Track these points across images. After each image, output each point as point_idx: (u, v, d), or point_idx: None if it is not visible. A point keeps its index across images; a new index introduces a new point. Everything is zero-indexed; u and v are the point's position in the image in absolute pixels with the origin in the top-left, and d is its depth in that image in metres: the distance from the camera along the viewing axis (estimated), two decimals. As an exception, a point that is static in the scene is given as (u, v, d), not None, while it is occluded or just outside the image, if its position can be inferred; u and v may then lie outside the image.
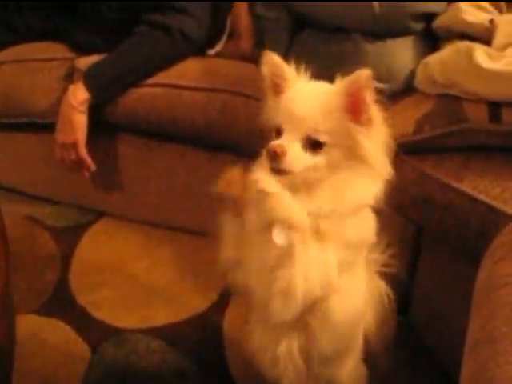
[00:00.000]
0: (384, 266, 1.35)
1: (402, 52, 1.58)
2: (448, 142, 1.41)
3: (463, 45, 1.44)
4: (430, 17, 1.60)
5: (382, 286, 1.34)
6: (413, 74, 1.56)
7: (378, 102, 0.99)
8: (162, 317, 1.78)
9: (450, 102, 1.44)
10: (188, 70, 1.80)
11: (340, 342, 1.19)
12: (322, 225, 1.02)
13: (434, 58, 1.50)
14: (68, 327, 1.75)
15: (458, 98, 1.42)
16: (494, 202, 1.28)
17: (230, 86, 1.71)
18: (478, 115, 1.38)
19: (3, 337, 0.77)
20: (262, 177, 1.04)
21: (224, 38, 1.92)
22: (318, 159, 0.99)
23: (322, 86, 1.05)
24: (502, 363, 0.88)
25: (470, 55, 1.38)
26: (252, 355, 1.27)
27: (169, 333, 1.72)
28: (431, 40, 1.62)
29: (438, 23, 1.58)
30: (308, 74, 1.07)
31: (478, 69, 1.36)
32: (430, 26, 1.60)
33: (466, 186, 1.34)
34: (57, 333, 1.73)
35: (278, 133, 1.02)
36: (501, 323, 0.95)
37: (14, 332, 0.96)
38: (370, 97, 0.97)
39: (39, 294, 1.86)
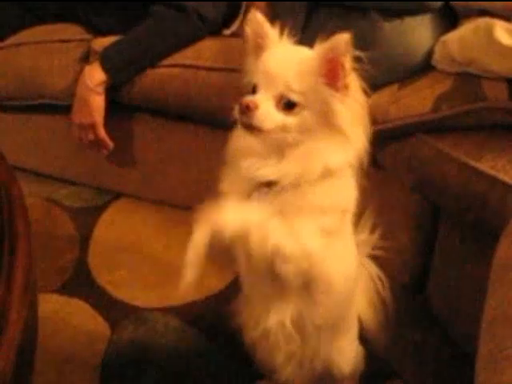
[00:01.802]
0: (374, 248, 1.37)
1: (419, 30, 1.56)
2: (466, 120, 1.40)
3: (483, 21, 1.42)
4: None
5: (373, 269, 1.36)
6: (431, 52, 1.54)
7: (356, 69, 1.00)
8: (180, 296, 1.80)
9: (468, 80, 1.42)
10: (204, 51, 1.80)
11: (335, 308, 1.19)
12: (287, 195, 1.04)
13: (452, 36, 1.48)
14: (88, 306, 1.77)
15: (476, 76, 1.41)
16: (512, 181, 1.27)
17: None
18: (497, 93, 1.36)
19: (28, 315, 0.78)
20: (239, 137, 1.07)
21: (240, 17, 1.92)
22: (290, 120, 0.99)
23: (302, 50, 1.05)
24: (520, 341, 0.88)
25: (489, 32, 1.36)
26: (242, 329, 1.29)
27: (186, 312, 1.74)
28: (450, 18, 1.59)
29: (456, 0, 1.55)
30: (291, 38, 1.07)
31: (498, 45, 1.35)
32: (448, 3, 1.58)
33: (484, 165, 1.33)
34: (77, 312, 1.75)
35: (254, 91, 1.02)
36: (518, 302, 0.95)
37: (37, 311, 0.98)
38: (348, 63, 0.98)
39: (59, 274, 1.88)
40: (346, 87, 0.99)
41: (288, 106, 0.99)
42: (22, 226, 0.89)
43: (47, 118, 2.12)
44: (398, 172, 1.55)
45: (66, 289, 1.82)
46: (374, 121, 1.48)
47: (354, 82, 1.00)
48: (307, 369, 1.26)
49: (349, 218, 1.15)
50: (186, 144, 1.96)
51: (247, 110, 0.98)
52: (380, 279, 1.36)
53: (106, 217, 2.13)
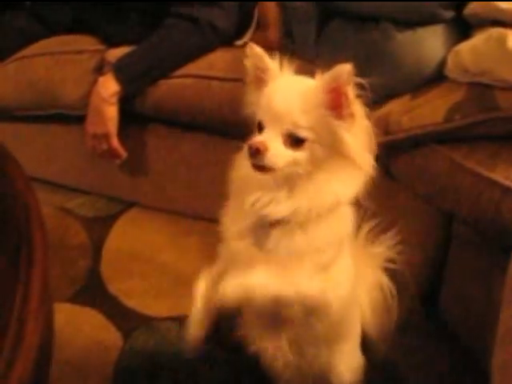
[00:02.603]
0: (389, 261, 1.37)
1: (432, 40, 1.56)
2: (479, 130, 1.40)
3: (496, 31, 1.41)
4: (460, 4, 1.58)
5: (383, 280, 1.35)
6: (443, 62, 1.54)
7: (360, 96, 0.98)
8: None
9: (481, 90, 1.42)
10: (216, 61, 1.81)
11: (332, 327, 1.19)
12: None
13: (465, 46, 1.48)
14: (100, 315, 1.77)
15: (489, 86, 1.40)
16: (526, 191, 1.27)
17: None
18: (510, 103, 1.36)
19: (44, 325, 0.79)
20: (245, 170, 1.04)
21: (252, 28, 1.93)
22: (299, 155, 0.99)
23: (304, 81, 1.04)
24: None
25: (503, 42, 1.36)
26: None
27: (199, 321, 1.74)
28: (462, 28, 1.59)
29: (469, 11, 1.55)
30: (291, 68, 1.06)
31: (511, 55, 1.35)
32: (460, 13, 1.58)
33: (497, 175, 1.32)
34: (90, 321, 1.76)
35: (260, 127, 1.01)
36: (534, 312, 0.95)
37: (53, 321, 0.98)
38: (351, 92, 0.96)
39: (72, 283, 1.89)
40: (351, 116, 0.98)
41: (296, 142, 0.98)
42: (39, 237, 0.90)
43: (61, 128, 2.15)
44: (410, 182, 1.55)
45: (79, 298, 1.83)
46: (386, 131, 1.51)
47: (358, 108, 1.00)
48: (306, 375, 1.27)
49: (347, 242, 1.15)
50: (198, 154, 1.97)
51: (257, 152, 0.97)
52: (389, 289, 1.36)
53: (118, 226, 2.14)
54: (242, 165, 1.07)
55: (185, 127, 1.92)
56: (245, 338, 1.28)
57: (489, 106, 1.38)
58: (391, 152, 1.55)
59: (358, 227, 1.27)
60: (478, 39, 1.46)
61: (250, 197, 1.03)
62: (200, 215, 2.09)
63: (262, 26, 1.91)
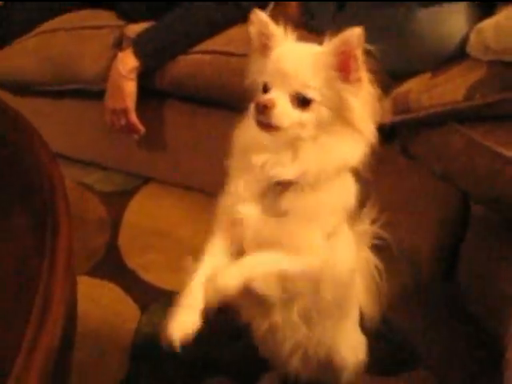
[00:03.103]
0: (375, 237, 1.34)
1: (455, 19, 1.55)
2: (499, 109, 1.39)
3: (520, 9, 1.40)
4: None
5: (370, 258, 1.33)
6: (465, 40, 1.52)
7: (366, 62, 0.99)
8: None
9: (502, 68, 1.40)
10: (235, 37, 1.81)
11: (339, 296, 1.18)
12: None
13: (488, 24, 1.46)
14: (118, 288, 1.80)
15: (510, 65, 1.38)
16: (546, 170, 1.27)
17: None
18: (532, 82, 1.35)
19: (69, 294, 0.81)
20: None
21: (271, 4, 1.92)
22: (306, 116, 0.99)
23: (312, 46, 1.04)
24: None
25: None
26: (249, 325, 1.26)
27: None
28: (486, 6, 1.57)
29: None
30: (295, 36, 1.05)
31: None
32: None
33: (516, 155, 1.32)
34: (108, 294, 1.79)
35: (265, 89, 1.01)
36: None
37: (76, 290, 1.00)
38: (360, 55, 0.96)
39: (90, 257, 1.92)
40: (358, 80, 0.98)
41: (303, 102, 0.98)
42: (63, 207, 0.92)
43: (79, 103, 2.16)
44: (428, 161, 1.55)
45: (97, 271, 1.86)
46: (406, 109, 1.50)
47: (364, 74, 0.99)
48: (312, 359, 1.26)
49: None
50: (217, 130, 1.95)
51: (265, 109, 0.97)
52: (377, 268, 1.33)
53: (136, 201, 2.16)
54: (246, 130, 1.07)
55: (202, 103, 1.93)
56: (251, 320, 1.24)
57: (510, 85, 1.37)
58: (409, 130, 1.55)
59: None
60: (502, 16, 1.44)
61: (256, 159, 1.03)
62: (216, 191, 2.10)
63: (281, 1, 1.90)
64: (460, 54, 1.54)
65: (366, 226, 1.31)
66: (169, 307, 1.67)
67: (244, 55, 1.75)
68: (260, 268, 1.03)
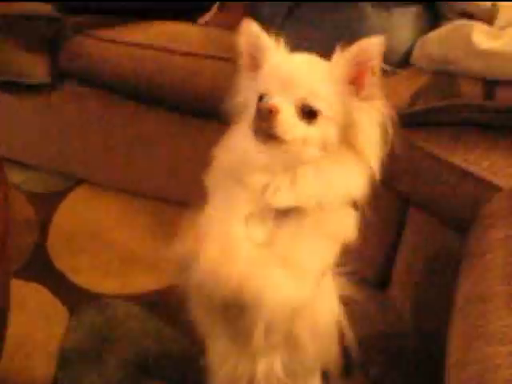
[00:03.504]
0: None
1: (404, 27, 1.58)
2: (441, 116, 1.43)
3: (462, 23, 1.45)
4: None
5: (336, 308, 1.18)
6: (410, 50, 1.57)
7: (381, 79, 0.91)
8: (142, 284, 1.77)
9: (445, 77, 1.45)
10: (180, 35, 1.78)
11: (324, 347, 1.09)
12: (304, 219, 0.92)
13: (432, 36, 1.51)
14: (46, 290, 1.73)
15: (453, 74, 1.43)
16: (483, 174, 1.30)
17: (223, 54, 1.68)
18: (472, 91, 1.40)
19: (2, 283, 0.76)
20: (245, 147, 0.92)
21: (215, 7, 1.91)
22: (312, 131, 0.88)
23: (315, 57, 0.95)
24: (494, 319, 0.91)
25: (468, 34, 1.40)
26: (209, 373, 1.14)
27: (148, 300, 1.71)
28: (432, 18, 1.63)
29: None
30: (288, 47, 0.98)
31: (476, 49, 1.38)
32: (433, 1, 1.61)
33: (456, 159, 1.36)
34: (34, 295, 1.71)
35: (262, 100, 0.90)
36: (492, 283, 0.99)
37: (8, 292, 0.94)
38: (378, 69, 0.88)
39: (16, 258, 1.82)
40: (372, 97, 0.90)
41: (309, 114, 0.88)
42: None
43: (8, 97, 2.06)
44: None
45: (24, 272, 1.77)
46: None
47: (379, 92, 0.91)
48: None
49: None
50: (155, 130, 1.93)
51: (269, 115, 0.85)
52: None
53: (66, 203, 2.08)
54: (237, 145, 0.95)
55: (142, 102, 1.88)
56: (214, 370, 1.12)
57: (452, 93, 1.41)
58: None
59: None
60: (445, 30, 1.49)
61: (251, 179, 0.91)
62: (152, 194, 2.06)
63: (225, 4, 1.90)
64: (404, 63, 1.58)
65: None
66: (99, 311, 1.65)
67: (188, 54, 1.75)
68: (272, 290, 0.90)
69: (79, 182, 2.16)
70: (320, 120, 0.89)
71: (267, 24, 1.67)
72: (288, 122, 0.87)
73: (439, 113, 1.42)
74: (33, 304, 1.68)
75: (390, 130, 0.94)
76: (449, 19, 1.54)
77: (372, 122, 0.92)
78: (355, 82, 0.89)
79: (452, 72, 1.44)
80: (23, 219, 1.99)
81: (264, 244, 0.92)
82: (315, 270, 0.95)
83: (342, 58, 0.90)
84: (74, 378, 1.50)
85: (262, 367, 1.04)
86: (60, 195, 2.10)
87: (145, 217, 2.02)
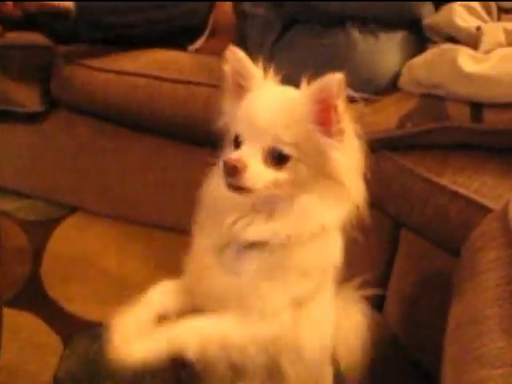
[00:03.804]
0: (360, 288, 1.28)
1: (391, 51, 1.60)
2: (429, 138, 1.44)
3: (447, 48, 1.47)
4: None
5: (360, 323, 1.24)
6: (398, 75, 1.58)
7: (350, 110, 0.90)
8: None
9: (433, 100, 1.46)
10: (170, 64, 1.80)
11: (309, 374, 1.08)
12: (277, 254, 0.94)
13: (418, 60, 1.53)
14: (39, 320, 1.72)
15: (441, 97, 1.45)
16: (473, 196, 1.31)
17: (213, 81, 1.69)
18: (460, 114, 1.41)
19: None
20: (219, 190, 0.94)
21: (205, 34, 1.94)
22: (281, 175, 0.89)
23: (289, 92, 0.95)
24: (488, 341, 0.91)
25: (453, 58, 1.42)
26: None
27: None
28: (419, 42, 1.65)
29: (429, 22, 1.61)
30: (277, 77, 0.98)
31: (461, 72, 1.40)
32: (418, 27, 1.64)
33: (446, 181, 1.37)
34: (27, 325, 1.70)
35: (236, 143, 0.91)
36: (484, 306, 0.98)
37: (1, 322, 0.93)
38: (342, 105, 0.87)
39: (9, 287, 1.81)
40: (340, 132, 0.89)
41: (279, 160, 0.88)
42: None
43: (3, 126, 2.07)
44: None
45: (16, 302, 1.76)
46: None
47: (348, 125, 0.90)
48: None
49: (330, 274, 1.04)
50: (146, 157, 1.94)
51: (235, 171, 0.86)
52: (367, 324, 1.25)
53: (60, 231, 2.07)
54: (216, 182, 0.96)
55: (134, 129, 1.89)
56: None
57: (439, 115, 1.43)
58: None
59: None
60: (431, 53, 1.51)
61: (226, 217, 0.93)
62: (145, 222, 2.06)
63: (215, 31, 1.92)
64: (392, 87, 1.59)
65: (354, 289, 1.23)
66: (93, 339, 1.64)
67: (178, 82, 1.77)
68: (193, 336, 0.92)
69: (73, 209, 2.16)
70: (290, 163, 0.89)
71: (256, 48, 1.73)
72: (255, 174, 0.87)
73: (428, 135, 1.43)
74: (26, 334, 1.66)
75: (363, 159, 0.95)
76: (435, 43, 1.57)
77: (344, 156, 0.91)
78: (321, 120, 0.89)
79: (439, 95, 1.45)
80: (16, 247, 1.99)
81: (230, 274, 0.96)
82: (279, 305, 0.95)
83: (306, 95, 0.90)
84: (68, 408, 1.49)
85: None
86: (53, 223, 2.10)
87: (138, 243, 2.02)
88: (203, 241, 1.00)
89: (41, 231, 2.06)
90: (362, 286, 1.30)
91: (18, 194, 2.20)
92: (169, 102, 1.75)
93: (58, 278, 1.87)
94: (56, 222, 2.11)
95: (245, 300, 0.94)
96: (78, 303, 1.78)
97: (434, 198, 1.37)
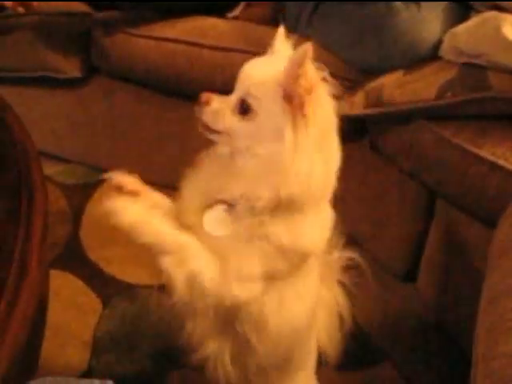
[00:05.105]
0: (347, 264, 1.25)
1: (433, 20, 1.57)
2: (469, 109, 1.42)
3: (491, 15, 1.44)
4: None
5: (339, 297, 1.24)
6: (439, 43, 1.56)
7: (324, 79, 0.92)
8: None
9: (474, 69, 1.44)
10: (209, 30, 1.80)
11: (277, 355, 1.10)
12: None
13: (461, 28, 1.50)
14: (79, 280, 1.77)
15: (482, 67, 1.43)
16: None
17: (251, 48, 1.68)
18: (502, 84, 1.38)
19: (42, 285, 0.79)
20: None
21: (244, 2, 1.92)
22: (240, 124, 0.94)
23: (281, 61, 0.94)
24: (523, 314, 0.91)
25: (497, 27, 1.39)
26: None
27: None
28: (462, 10, 1.61)
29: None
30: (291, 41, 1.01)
31: (505, 41, 1.37)
32: None
33: (484, 152, 1.35)
34: (69, 286, 1.75)
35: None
36: (520, 277, 0.98)
37: (48, 283, 0.97)
38: (304, 77, 0.88)
39: (51, 249, 1.85)
40: (301, 106, 0.90)
41: (244, 110, 0.93)
42: (38, 179, 0.90)
43: (43, 92, 2.10)
44: (397, 157, 1.57)
45: (58, 263, 1.81)
46: (378, 103, 1.52)
47: (315, 110, 0.91)
48: None
49: (313, 260, 1.05)
50: (186, 124, 1.93)
51: (201, 103, 0.97)
52: (344, 307, 1.25)
53: (98, 195, 2.11)
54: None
55: (172, 96, 1.90)
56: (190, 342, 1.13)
57: (481, 85, 1.40)
58: (379, 125, 1.57)
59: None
60: (475, 22, 1.48)
61: (203, 173, 1.02)
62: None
63: (253, 1, 1.91)
64: (433, 56, 1.57)
65: (336, 254, 1.22)
66: (131, 300, 1.69)
67: (217, 49, 1.77)
68: (174, 244, 0.97)
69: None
70: (251, 115, 0.93)
71: (294, 18, 1.72)
72: (215, 112, 0.96)
73: (468, 105, 1.41)
74: (67, 294, 1.72)
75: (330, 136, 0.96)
76: (479, 12, 1.53)
77: (299, 137, 0.91)
78: (288, 94, 0.91)
79: (481, 64, 1.43)
80: (56, 211, 2.03)
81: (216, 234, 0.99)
82: (254, 271, 0.97)
83: (284, 65, 0.91)
84: (107, 366, 1.54)
85: (210, 350, 1.07)
86: (92, 187, 2.14)
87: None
88: (189, 200, 1.04)
89: (80, 195, 2.11)
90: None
91: (57, 159, 2.25)
92: (207, 69, 1.76)
93: (96, 241, 1.92)
94: (94, 185, 2.14)
95: (225, 259, 0.96)
96: (116, 265, 1.83)
97: (472, 168, 1.36)
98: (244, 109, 0.94)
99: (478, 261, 1.39)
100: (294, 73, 0.89)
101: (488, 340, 0.95)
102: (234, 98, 0.96)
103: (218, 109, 0.96)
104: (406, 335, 1.65)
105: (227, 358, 1.08)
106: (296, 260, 1.00)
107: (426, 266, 1.67)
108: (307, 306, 1.09)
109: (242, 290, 0.97)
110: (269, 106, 0.92)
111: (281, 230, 0.96)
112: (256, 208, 0.94)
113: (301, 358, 1.19)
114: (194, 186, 1.05)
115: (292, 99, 0.90)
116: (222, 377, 1.10)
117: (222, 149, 1.00)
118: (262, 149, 0.94)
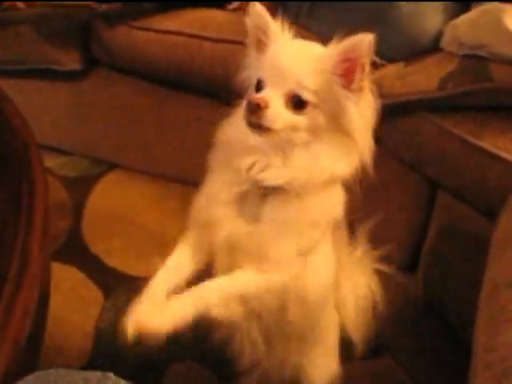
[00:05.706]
0: (380, 261, 1.33)
1: (434, 12, 1.57)
2: (470, 100, 1.42)
3: (492, 7, 1.44)
4: None
5: (372, 283, 1.30)
6: (440, 35, 1.56)
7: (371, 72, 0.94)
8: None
9: (475, 61, 1.44)
10: (209, 22, 1.81)
11: (305, 318, 1.13)
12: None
13: (462, 20, 1.50)
14: (80, 273, 1.77)
15: (483, 58, 1.42)
16: (512, 158, 1.30)
17: (251, 39, 1.70)
18: (504, 75, 1.38)
19: (43, 278, 0.79)
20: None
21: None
22: (300, 119, 0.93)
23: (314, 45, 0.98)
24: (523, 305, 0.91)
25: (499, 18, 1.39)
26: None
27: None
28: (464, 3, 1.60)
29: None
30: (292, 32, 1.00)
31: (506, 32, 1.37)
32: None
33: (485, 143, 1.35)
34: (70, 278, 1.75)
35: (259, 87, 0.95)
36: (521, 268, 0.98)
37: (49, 275, 0.98)
38: (368, 65, 0.92)
39: (52, 242, 1.86)
40: (360, 89, 0.94)
41: (299, 104, 0.92)
42: (38, 170, 0.90)
43: (45, 84, 2.10)
44: (398, 148, 1.57)
45: (59, 256, 1.81)
46: (379, 94, 1.52)
47: (368, 84, 0.95)
48: (275, 376, 1.22)
49: (331, 225, 1.09)
50: (185, 116, 1.95)
51: (257, 108, 0.90)
52: (376, 293, 1.30)
53: (100, 187, 2.13)
54: (234, 128, 1.01)
55: (173, 88, 1.91)
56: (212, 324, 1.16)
57: (482, 76, 1.40)
58: (380, 117, 1.57)
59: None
60: (476, 13, 1.48)
61: (245, 160, 0.97)
62: (183, 178, 2.08)
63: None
64: (434, 47, 1.57)
65: (364, 247, 1.29)
66: (132, 292, 1.69)
67: (218, 41, 1.77)
68: (216, 296, 0.96)
69: (112, 166, 2.21)
70: (308, 109, 0.93)
71: (295, 7, 1.71)
72: (276, 114, 0.92)
73: (468, 97, 1.41)
74: (69, 286, 1.72)
75: (376, 120, 0.99)
76: (480, 3, 1.52)
77: (360, 111, 0.95)
78: (345, 75, 0.93)
79: (482, 56, 1.43)
80: (57, 203, 2.04)
81: (251, 222, 0.99)
82: (292, 254, 1.00)
83: (335, 51, 0.93)
84: (109, 357, 1.54)
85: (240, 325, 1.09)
86: (93, 180, 2.15)
87: (176, 200, 2.06)
88: (215, 191, 1.02)
89: (81, 187, 2.12)
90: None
91: (58, 151, 2.26)
92: (208, 61, 1.76)
93: (98, 233, 1.93)
94: (96, 178, 2.16)
95: (263, 248, 0.98)
96: (117, 257, 1.83)
97: (473, 160, 1.37)
98: (298, 103, 0.92)
99: (478, 252, 1.39)
100: (357, 55, 0.91)
101: (488, 330, 0.95)
102: (279, 93, 0.92)
103: (277, 111, 0.92)
104: (407, 325, 1.65)
105: (256, 331, 1.10)
106: (325, 228, 1.05)
107: (426, 256, 1.67)
108: (332, 264, 1.14)
109: (285, 275, 1.00)
110: (326, 94, 0.93)
111: (319, 208, 0.99)
112: (305, 191, 0.96)
113: (320, 332, 1.22)
114: (226, 178, 1.01)
115: (351, 83, 0.92)
116: (248, 349, 1.14)
117: (267, 141, 0.97)
118: (320, 141, 0.95)
